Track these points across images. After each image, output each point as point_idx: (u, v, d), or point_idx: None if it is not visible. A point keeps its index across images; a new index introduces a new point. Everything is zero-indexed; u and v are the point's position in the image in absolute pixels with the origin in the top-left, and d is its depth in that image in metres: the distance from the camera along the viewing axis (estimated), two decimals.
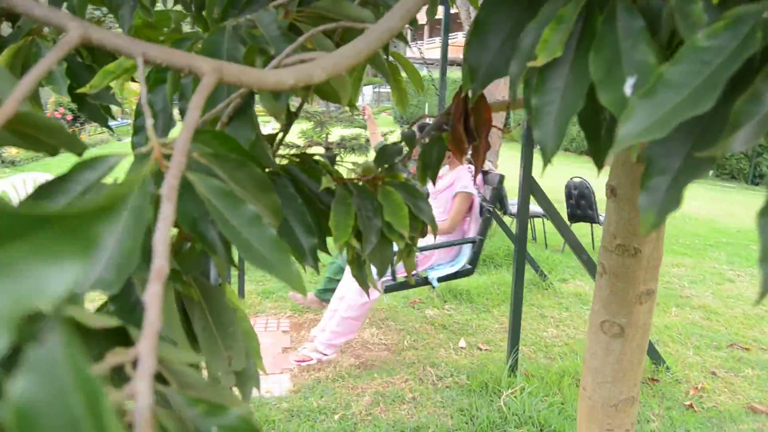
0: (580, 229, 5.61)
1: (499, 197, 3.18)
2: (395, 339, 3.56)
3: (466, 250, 3.16)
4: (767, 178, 7.28)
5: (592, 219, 5.69)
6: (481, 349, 3.49)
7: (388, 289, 3.00)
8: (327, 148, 7.90)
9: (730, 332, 3.83)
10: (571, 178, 5.85)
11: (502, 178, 3.20)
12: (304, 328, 3.72)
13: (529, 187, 2.83)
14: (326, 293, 3.71)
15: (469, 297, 4.25)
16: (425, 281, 3.06)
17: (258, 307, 4.01)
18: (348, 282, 3.23)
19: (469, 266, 3.12)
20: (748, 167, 11.56)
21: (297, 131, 8.08)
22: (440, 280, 3.04)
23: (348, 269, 3.27)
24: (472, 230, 3.18)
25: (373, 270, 2.71)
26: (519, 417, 2.62)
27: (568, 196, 5.83)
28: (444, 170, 3.40)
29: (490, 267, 5.00)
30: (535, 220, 5.94)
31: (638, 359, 1.28)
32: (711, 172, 11.29)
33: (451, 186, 3.16)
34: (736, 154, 11.62)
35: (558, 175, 6.84)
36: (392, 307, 4.03)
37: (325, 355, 3.13)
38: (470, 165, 3.24)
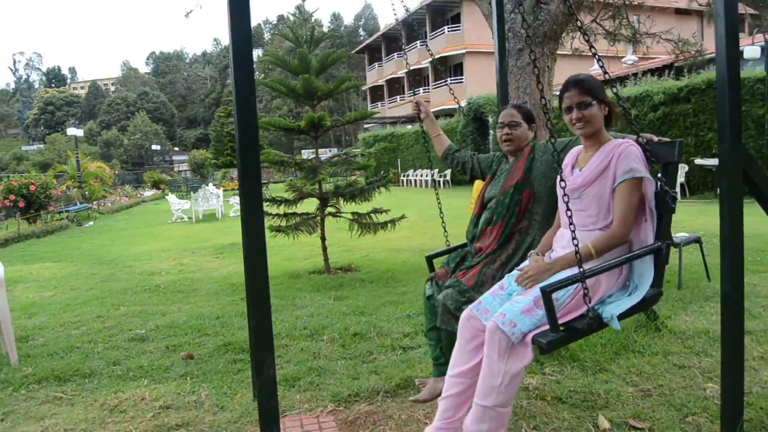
0: None
1: (674, 178, 2.02)
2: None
3: (644, 266, 2.02)
4: None
5: None
6: (636, 428, 2.32)
7: (547, 348, 1.80)
8: (322, 199, 6.79)
9: None
10: None
11: (679, 145, 2.03)
12: (360, 426, 2.51)
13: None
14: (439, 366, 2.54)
15: (570, 352, 3.09)
16: (600, 323, 1.89)
17: (284, 401, 2.78)
18: (476, 354, 2.04)
19: (656, 289, 1.97)
20: None
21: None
22: (620, 317, 1.87)
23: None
24: (648, 233, 2.06)
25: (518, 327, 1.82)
26: None
27: None
28: (573, 153, 2.29)
29: None
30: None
31: None
32: None
33: (605, 171, 2.04)
34: None
35: None
36: None
37: None
38: (636, 137, 2.12)
